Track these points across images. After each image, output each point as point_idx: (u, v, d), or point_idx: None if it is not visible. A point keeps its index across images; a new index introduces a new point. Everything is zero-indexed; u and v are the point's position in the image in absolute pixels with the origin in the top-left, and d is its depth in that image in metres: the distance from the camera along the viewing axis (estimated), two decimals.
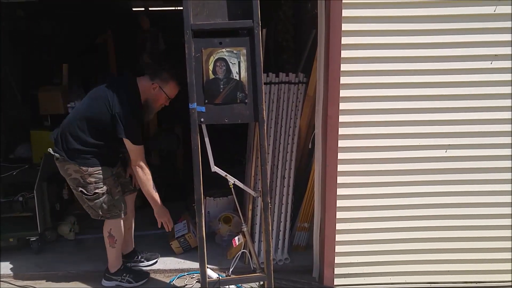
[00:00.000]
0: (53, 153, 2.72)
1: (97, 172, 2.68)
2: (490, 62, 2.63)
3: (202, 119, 2.31)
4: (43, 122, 4.23)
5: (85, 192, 2.68)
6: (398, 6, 2.55)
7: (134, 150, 2.66)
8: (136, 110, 2.64)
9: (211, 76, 2.29)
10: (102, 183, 2.69)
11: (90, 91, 2.80)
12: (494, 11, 2.57)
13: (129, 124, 2.59)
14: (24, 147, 4.33)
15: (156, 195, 2.79)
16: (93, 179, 2.67)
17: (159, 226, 2.89)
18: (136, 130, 2.64)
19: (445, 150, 2.74)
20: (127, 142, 2.63)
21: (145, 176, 2.71)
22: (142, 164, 2.69)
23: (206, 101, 2.30)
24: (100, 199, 2.70)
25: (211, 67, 2.29)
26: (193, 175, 2.33)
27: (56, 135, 2.73)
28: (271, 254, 2.48)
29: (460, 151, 2.74)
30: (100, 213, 2.75)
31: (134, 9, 6.27)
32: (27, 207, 3.41)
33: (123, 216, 2.82)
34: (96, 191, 2.68)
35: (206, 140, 2.43)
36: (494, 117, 2.70)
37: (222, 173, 2.49)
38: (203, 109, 2.30)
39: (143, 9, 5.86)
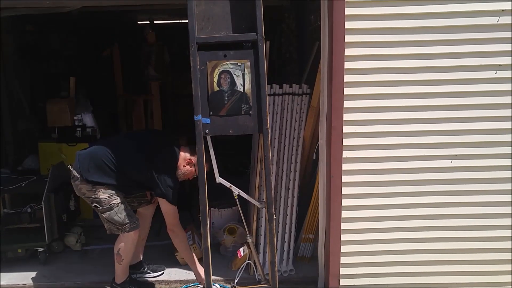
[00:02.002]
0: (71, 169, 2.75)
1: (110, 189, 2.73)
2: (495, 72, 2.64)
3: (207, 131, 2.33)
4: (50, 134, 4.29)
5: (99, 206, 2.72)
6: (401, 18, 2.58)
7: (169, 211, 2.73)
8: (175, 176, 2.73)
9: (216, 88, 2.32)
10: (115, 196, 2.74)
11: (132, 139, 2.90)
12: (497, 21, 2.59)
13: (168, 186, 2.66)
14: (32, 159, 4.38)
15: (193, 256, 2.94)
16: (106, 195, 2.71)
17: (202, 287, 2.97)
18: (174, 192, 2.69)
19: (450, 160, 2.74)
20: (163, 202, 2.70)
21: (179, 239, 2.85)
22: (177, 229, 2.80)
23: (211, 113, 2.33)
24: (115, 209, 2.72)
25: (215, 79, 2.32)
26: (198, 186, 2.35)
27: (84, 160, 2.73)
28: (276, 265, 2.48)
29: (465, 161, 2.73)
30: (118, 225, 2.75)
31: (139, 22, 6.35)
32: (35, 218, 3.46)
33: (137, 229, 2.83)
34: (112, 203, 2.72)
35: (211, 151, 2.45)
36: (501, 127, 2.69)
37: (227, 184, 2.50)
38: (208, 120, 2.33)
39: (148, 22, 5.93)
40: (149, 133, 3.30)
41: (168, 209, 2.72)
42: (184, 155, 2.79)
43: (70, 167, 2.78)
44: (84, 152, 2.80)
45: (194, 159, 2.72)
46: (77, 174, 2.71)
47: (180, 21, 6.04)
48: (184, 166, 2.78)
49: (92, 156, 2.73)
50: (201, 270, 2.88)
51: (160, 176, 2.66)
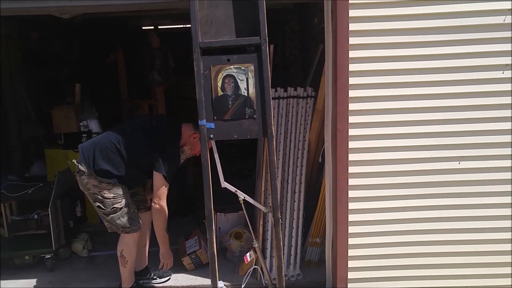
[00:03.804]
0: (76, 164, 2.73)
1: (116, 188, 2.72)
2: (502, 72, 2.61)
3: (211, 135, 2.32)
4: (57, 141, 4.30)
5: (102, 207, 2.70)
6: (406, 19, 2.56)
7: (160, 186, 2.68)
8: (176, 153, 2.74)
9: (220, 92, 2.31)
10: (120, 198, 2.72)
11: (133, 122, 2.95)
12: (504, 20, 2.56)
13: (168, 162, 2.66)
14: (39, 165, 4.40)
15: (166, 238, 2.87)
16: (111, 195, 2.70)
17: (160, 267, 2.97)
18: (171, 169, 2.69)
19: (458, 162, 2.71)
20: (157, 176, 2.67)
21: (160, 216, 2.74)
22: (163, 204, 2.73)
23: (215, 117, 2.32)
24: (118, 213, 2.71)
25: (219, 84, 2.31)
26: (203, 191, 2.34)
27: (88, 150, 2.72)
28: (283, 270, 2.46)
29: (473, 162, 2.71)
30: (119, 227, 2.76)
31: (143, 27, 6.38)
32: (41, 225, 3.47)
33: (138, 231, 2.82)
34: (115, 206, 2.71)
35: (216, 156, 2.44)
36: (508, 128, 2.67)
37: (232, 188, 2.48)
38: (212, 125, 2.32)
39: (152, 27, 5.95)
40: (151, 117, 3.30)
41: (161, 184, 2.66)
42: (188, 131, 2.79)
43: (74, 161, 2.76)
44: (87, 143, 2.82)
45: (197, 134, 2.69)
46: (82, 168, 2.69)
47: (184, 25, 6.05)
48: (190, 141, 2.79)
49: (95, 145, 2.73)
50: (166, 248, 2.89)
51: (162, 153, 2.65)
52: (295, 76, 4.53)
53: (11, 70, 4.62)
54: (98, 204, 2.71)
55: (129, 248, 2.83)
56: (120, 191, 2.73)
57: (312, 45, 3.98)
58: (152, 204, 2.72)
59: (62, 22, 3.13)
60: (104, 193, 2.69)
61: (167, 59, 5.61)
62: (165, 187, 2.69)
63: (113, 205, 2.70)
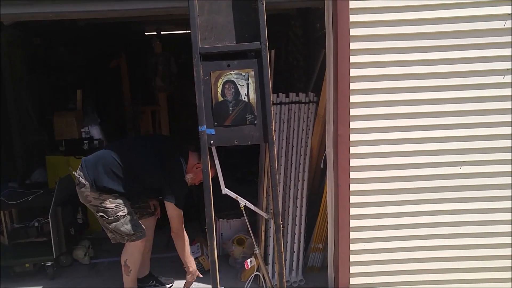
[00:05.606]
0: (77, 176, 2.72)
1: (116, 198, 2.71)
2: (503, 76, 2.60)
3: (211, 142, 2.31)
4: (58, 147, 4.29)
5: (106, 217, 2.69)
6: (407, 24, 2.55)
7: (175, 216, 2.72)
8: (184, 179, 2.75)
9: (220, 98, 2.30)
10: (122, 206, 2.72)
11: (140, 143, 2.92)
12: (504, 25, 2.55)
13: (177, 189, 2.69)
14: (40, 172, 4.39)
15: (191, 259, 2.93)
16: (113, 205, 2.69)
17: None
18: (181, 195, 2.72)
19: (459, 167, 2.69)
20: (169, 206, 2.70)
21: (182, 243, 2.82)
22: (181, 232, 2.79)
23: (216, 123, 2.30)
24: (121, 220, 2.70)
25: (219, 90, 2.30)
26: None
27: (92, 166, 2.70)
28: (285, 276, 2.44)
29: (475, 167, 2.69)
30: (124, 235, 2.73)
31: (146, 33, 6.41)
32: (42, 232, 3.45)
33: (144, 237, 2.81)
34: (118, 214, 2.69)
35: (216, 162, 2.43)
36: (508, 132, 2.65)
37: (233, 195, 2.47)
38: (212, 131, 2.31)
39: (155, 33, 5.97)
40: (159, 138, 3.31)
41: (175, 214, 2.71)
42: (193, 160, 2.80)
43: (75, 173, 2.75)
44: (91, 158, 2.77)
45: (200, 164, 2.67)
46: (83, 181, 2.68)
47: (187, 31, 6.06)
48: (193, 170, 2.80)
49: (99, 161, 2.71)
50: (191, 264, 2.91)
51: (171, 181, 2.68)
52: (298, 81, 4.53)
53: (14, 76, 4.63)
54: (101, 214, 2.70)
55: (133, 258, 2.81)
56: (121, 200, 2.72)
57: (315, 50, 3.98)
58: (171, 233, 2.78)
59: (65, 28, 3.13)
60: (106, 204, 2.68)
61: (170, 65, 5.61)
62: (179, 214, 2.73)
63: (116, 213, 2.69)
